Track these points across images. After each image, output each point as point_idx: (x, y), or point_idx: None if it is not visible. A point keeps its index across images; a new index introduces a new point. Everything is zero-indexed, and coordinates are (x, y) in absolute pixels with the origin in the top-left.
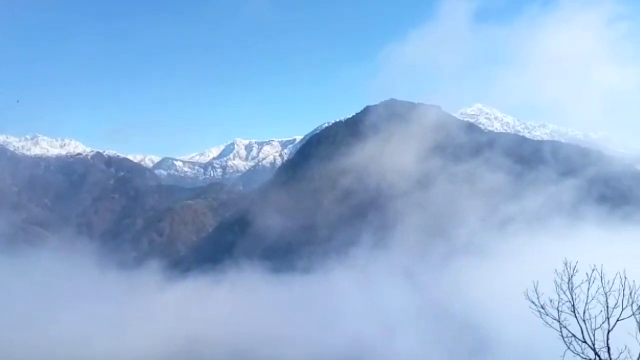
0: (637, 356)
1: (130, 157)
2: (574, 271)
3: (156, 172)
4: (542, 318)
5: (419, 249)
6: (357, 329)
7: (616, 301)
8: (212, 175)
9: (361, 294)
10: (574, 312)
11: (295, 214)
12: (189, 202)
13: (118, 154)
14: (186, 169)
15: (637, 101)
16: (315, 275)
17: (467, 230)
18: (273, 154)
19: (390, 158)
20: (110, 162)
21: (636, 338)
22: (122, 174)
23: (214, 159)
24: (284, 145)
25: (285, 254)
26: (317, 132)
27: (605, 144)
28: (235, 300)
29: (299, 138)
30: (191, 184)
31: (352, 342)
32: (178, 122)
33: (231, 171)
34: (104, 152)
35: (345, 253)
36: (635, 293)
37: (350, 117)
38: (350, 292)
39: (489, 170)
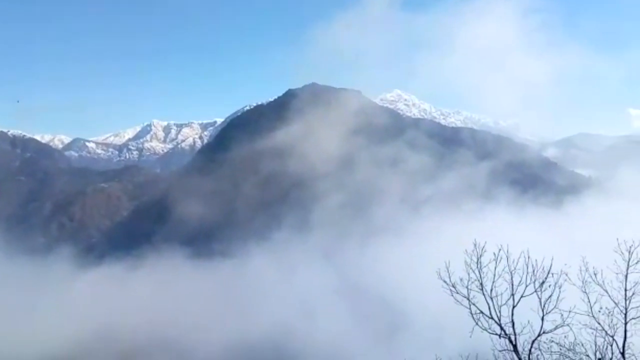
0: (539, 330)
1: (38, 137)
2: (482, 251)
3: (66, 153)
4: (453, 296)
5: (338, 231)
6: (278, 312)
7: (520, 279)
8: (128, 157)
9: (281, 277)
10: (482, 289)
11: (215, 198)
12: (102, 185)
13: (24, 134)
14: (99, 151)
15: (546, 91)
16: (235, 260)
17: (385, 211)
18: (192, 136)
19: (312, 141)
20: (15, 142)
21: (538, 313)
22: (29, 154)
23: (130, 140)
24: (204, 127)
25: (204, 239)
26: (239, 114)
27: (514, 131)
28: (154, 286)
29: (219, 120)
30: (105, 166)
31: (272, 326)
32: (90, 101)
33: (148, 153)
34: (8, 131)
35: (266, 237)
36: (537, 271)
37: (272, 100)
38: (271, 276)
39: (407, 154)
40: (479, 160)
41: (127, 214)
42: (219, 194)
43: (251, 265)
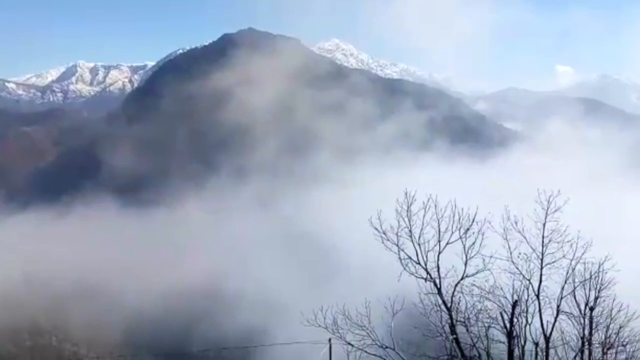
0: (462, 274)
1: None
2: (412, 200)
3: None
4: (383, 243)
5: (275, 178)
6: (212, 259)
7: (447, 226)
8: (52, 99)
9: (217, 225)
10: (411, 236)
11: (147, 145)
12: (25, 128)
13: None
14: (20, 92)
15: (478, 45)
16: (169, 209)
17: (323, 159)
18: (121, 80)
19: (249, 88)
20: None
21: (461, 259)
22: None
23: (53, 81)
24: (134, 70)
25: (136, 188)
26: (171, 58)
27: (447, 85)
28: (83, 235)
29: (150, 64)
30: (26, 108)
31: (207, 273)
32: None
33: (73, 96)
34: None
35: (201, 185)
36: (463, 219)
37: (207, 44)
38: (206, 224)
39: (345, 103)
40: (414, 112)
41: (52, 160)
42: (150, 141)
43: (186, 214)
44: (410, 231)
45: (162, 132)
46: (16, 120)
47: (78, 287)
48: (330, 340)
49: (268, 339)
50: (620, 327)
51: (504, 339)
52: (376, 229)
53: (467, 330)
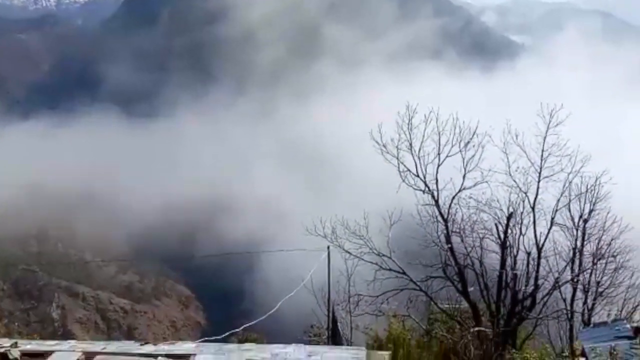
0: (459, 187)
1: None
2: (413, 112)
3: None
4: (383, 155)
5: (275, 88)
6: (213, 170)
7: (447, 139)
8: (45, 4)
9: (216, 136)
10: (411, 149)
11: (144, 54)
12: (20, 35)
13: None
14: None
15: None
16: (168, 120)
17: (325, 69)
18: None
19: None
20: None
21: (460, 171)
22: None
23: None
24: None
25: (134, 98)
26: None
27: None
28: (82, 145)
29: None
30: (19, 14)
31: (207, 184)
32: None
33: (67, 1)
34: None
35: (200, 95)
36: (463, 132)
37: None
38: (205, 135)
39: (354, 7)
40: (420, 21)
41: (48, 69)
42: (148, 51)
43: (185, 125)
44: (410, 144)
45: (159, 42)
46: (8, 26)
47: (81, 197)
48: (329, 247)
49: (269, 245)
50: (612, 239)
51: (497, 249)
52: (377, 141)
53: (462, 240)
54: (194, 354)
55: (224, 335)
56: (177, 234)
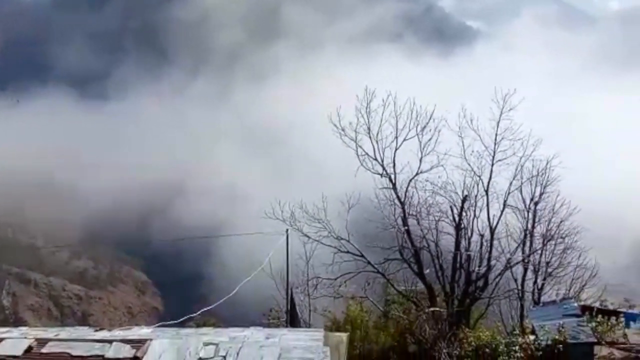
0: (416, 170)
1: None
2: (372, 96)
3: None
4: (342, 139)
5: (232, 70)
6: (171, 153)
7: (404, 123)
8: None
9: (174, 119)
10: (369, 133)
11: (98, 34)
12: None
13: None
14: None
15: None
16: (124, 103)
17: (283, 51)
18: None
19: None
20: None
21: (417, 155)
22: None
23: None
24: None
25: (88, 79)
26: None
27: None
28: (35, 129)
29: None
30: None
31: (166, 167)
32: None
33: None
34: None
35: (156, 77)
36: (420, 116)
37: None
38: (163, 118)
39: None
40: (378, 5)
41: None
42: (102, 32)
43: (141, 107)
44: (368, 127)
45: (113, 22)
46: None
47: (33, 181)
48: (287, 231)
49: (227, 229)
50: (561, 221)
51: (452, 231)
52: (335, 125)
53: (418, 223)
54: (150, 339)
55: (181, 320)
56: (133, 219)
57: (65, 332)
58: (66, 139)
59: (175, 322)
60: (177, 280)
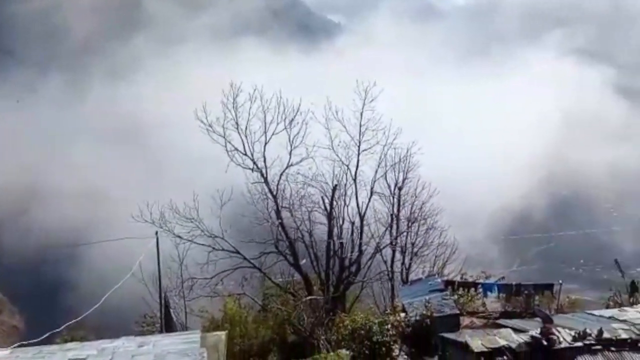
0: (287, 163)
1: None
2: (238, 91)
3: None
4: (210, 135)
5: (88, 67)
6: (25, 155)
7: (272, 117)
8: None
9: (24, 119)
10: (237, 128)
11: None
12: None
13: None
14: None
15: None
16: None
17: (143, 46)
18: None
19: None
20: None
21: (286, 148)
22: None
23: None
24: None
25: None
26: None
27: None
28: None
29: None
30: None
31: (21, 169)
32: None
33: None
34: None
35: (3, 77)
36: (288, 110)
37: None
38: (11, 118)
39: None
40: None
41: None
42: None
43: None
44: (236, 122)
45: None
46: None
47: None
48: (157, 233)
49: (93, 235)
50: (423, 203)
51: (325, 220)
52: (202, 121)
53: (292, 215)
54: None
55: (43, 337)
56: None
57: None
58: None
59: (38, 340)
60: (39, 293)
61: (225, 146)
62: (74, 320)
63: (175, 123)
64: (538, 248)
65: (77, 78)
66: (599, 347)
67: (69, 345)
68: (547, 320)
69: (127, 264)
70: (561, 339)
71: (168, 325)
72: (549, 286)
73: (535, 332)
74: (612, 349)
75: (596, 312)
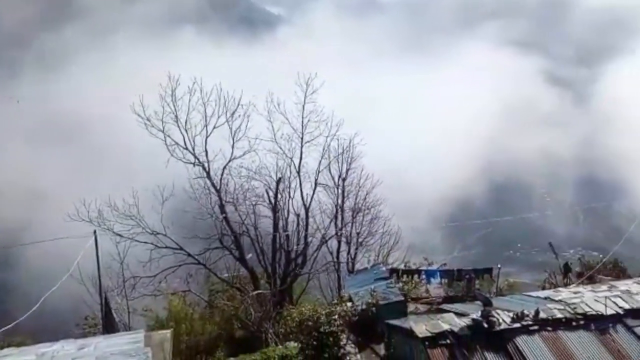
0: (230, 157)
1: None
2: (176, 83)
3: None
4: (148, 129)
5: (18, 58)
6: None
7: (213, 110)
8: None
9: None
10: (177, 122)
11: None
12: None
13: None
14: None
15: None
16: None
17: (74, 38)
18: None
19: None
20: None
21: (228, 141)
22: None
23: None
24: None
25: None
26: None
27: None
28: None
29: None
30: None
31: None
32: None
33: None
34: None
35: None
36: (229, 102)
37: None
38: None
39: None
40: None
41: None
42: None
43: None
44: (176, 116)
45: None
46: None
47: None
48: (95, 232)
49: (27, 236)
50: (366, 194)
51: (270, 213)
52: (139, 114)
53: (236, 209)
54: None
55: None
56: None
57: None
58: None
59: None
60: None
61: (165, 140)
62: (10, 325)
63: (112, 118)
64: (478, 234)
65: (8, 74)
66: (536, 327)
67: (5, 351)
68: (487, 303)
69: (65, 265)
70: (501, 321)
71: (110, 326)
72: (488, 270)
73: (476, 315)
74: (549, 328)
75: (533, 294)
